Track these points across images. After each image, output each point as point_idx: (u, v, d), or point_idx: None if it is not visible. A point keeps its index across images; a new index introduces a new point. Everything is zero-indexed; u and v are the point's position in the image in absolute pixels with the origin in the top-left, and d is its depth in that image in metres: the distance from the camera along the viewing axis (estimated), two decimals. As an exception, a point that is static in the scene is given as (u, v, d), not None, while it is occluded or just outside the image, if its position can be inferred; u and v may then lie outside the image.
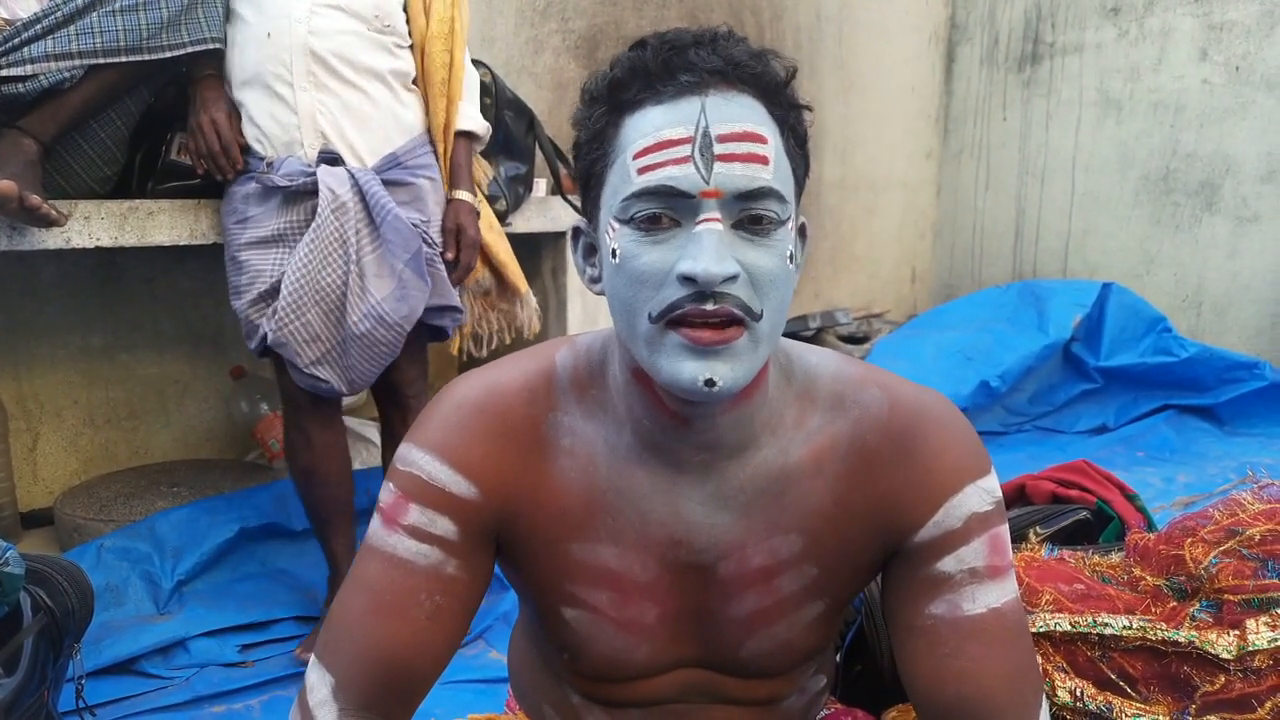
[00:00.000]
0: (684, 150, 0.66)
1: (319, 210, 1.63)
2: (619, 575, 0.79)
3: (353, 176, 1.67)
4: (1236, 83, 3.48)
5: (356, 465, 2.12)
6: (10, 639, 1.18)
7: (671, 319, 0.67)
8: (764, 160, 0.67)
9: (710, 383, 0.66)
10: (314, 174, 1.65)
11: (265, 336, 1.67)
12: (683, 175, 0.65)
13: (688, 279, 0.65)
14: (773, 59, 0.70)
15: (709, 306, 0.65)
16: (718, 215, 0.66)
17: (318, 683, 0.76)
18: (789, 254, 0.69)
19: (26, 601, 1.22)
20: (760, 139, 0.67)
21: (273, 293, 1.67)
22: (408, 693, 0.77)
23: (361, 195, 1.67)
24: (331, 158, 1.68)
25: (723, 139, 0.66)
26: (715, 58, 0.67)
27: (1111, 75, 3.83)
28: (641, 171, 0.67)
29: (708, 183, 0.65)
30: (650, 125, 0.67)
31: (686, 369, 0.66)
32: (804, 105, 0.72)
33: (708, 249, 0.64)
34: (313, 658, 0.78)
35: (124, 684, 1.66)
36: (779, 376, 0.79)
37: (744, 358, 0.67)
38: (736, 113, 0.67)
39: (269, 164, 1.67)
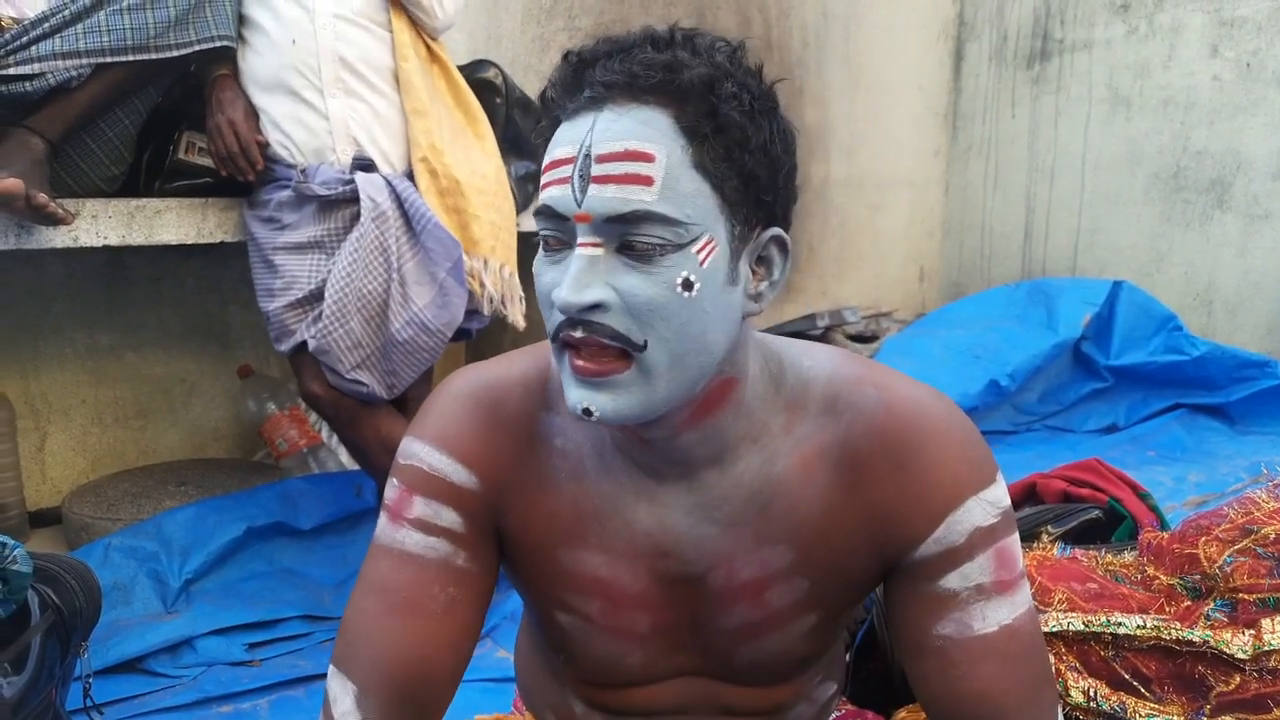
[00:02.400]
0: (567, 171, 0.64)
1: (361, 219, 1.64)
2: (608, 584, 0.78)
3: (390, 184, 1.67)
4: (1247, 79, 3.45)
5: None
6: (18, 637, 1.18)
7: (561, 341, 0.67)
8: (645, 181, 0.62)
9: (588, 412, 0.66)
10: (353, 181, 1.65)
11: (302, 342, 1.67)
12: (560, 196, 0.65)
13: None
14: (692, 63, 0.64)
15: (577, 334, 0.64)
16: (594, 239, 0.64)
17: (340, 693, 0.74)
18: (681, 280, 0.64)
19: (34, 600, 1.22)
20: (644, 157, 0.62)
21: (310, 299, 1.68)
22: (430, 697, 0.75)
23: (399, 203, 1.67)
24: (365, 164, 1.68)
25: (601, 159, 0.63)
26: (617, 70, 0.64)
27: (1121, 72, 3.80)
28: (540, 190, 0.67)
29: (579, 206, 0.64)
30: (554, 143, 0.67)
31: (572, 395, 0.67)
32: (734, 111, 0.64)
33: (569, 276, 0.64)
34: (332, 666, 0.77)
35: (131, 683, 1.66)
36: (766, 385, 0.76)
37: (630, 390, 0.65)
38: (623, 129, 0.63)
39: (303, 172, 1.67)
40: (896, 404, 0.74)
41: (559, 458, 0.78)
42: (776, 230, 0.70)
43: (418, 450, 0.77)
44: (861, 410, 0.75)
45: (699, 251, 0.65)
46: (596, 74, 0.65)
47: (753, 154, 0.66)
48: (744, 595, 0.77)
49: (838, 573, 0.77)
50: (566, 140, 0.66)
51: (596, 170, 0.63)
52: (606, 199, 0.63)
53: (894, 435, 0.73)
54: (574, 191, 0.64)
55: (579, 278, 0.64)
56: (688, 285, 0.64)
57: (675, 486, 0.76)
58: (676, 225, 0.63)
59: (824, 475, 0.75)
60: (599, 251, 0.64)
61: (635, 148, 0.63)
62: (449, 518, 0.76)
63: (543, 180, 0.67)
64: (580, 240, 0.64)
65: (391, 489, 0.78)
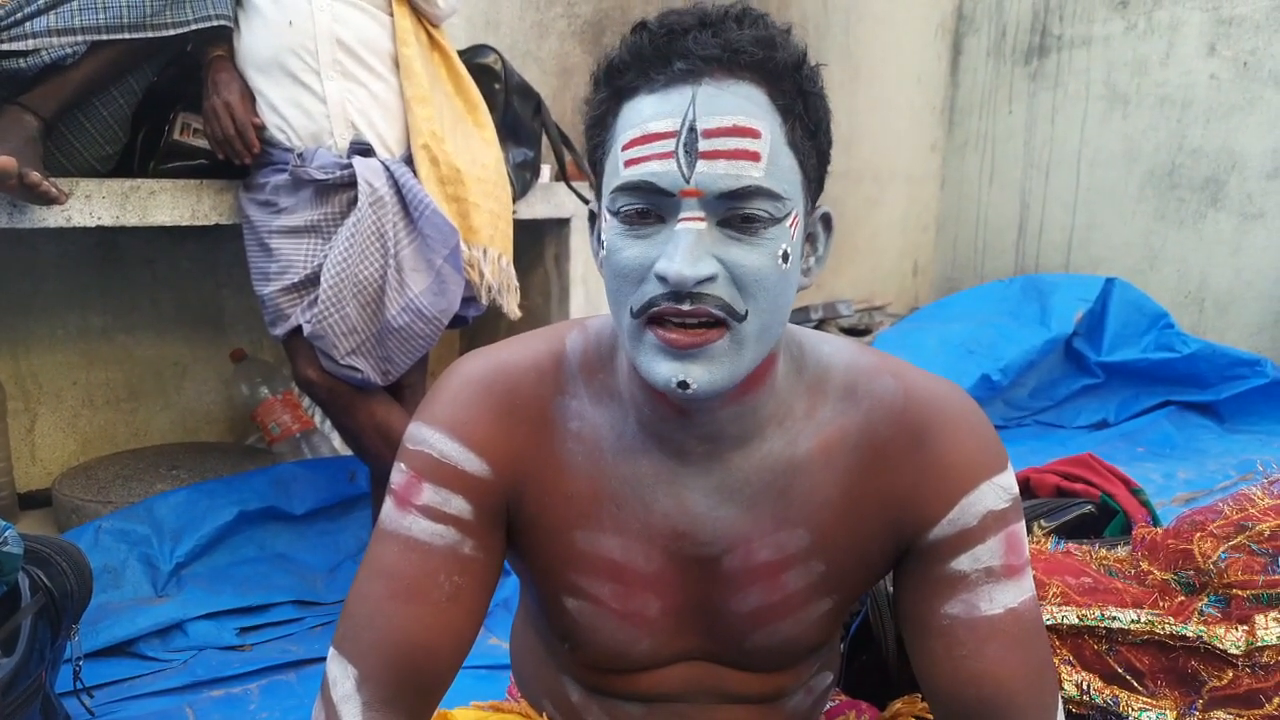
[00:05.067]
0: (668, 145, 0.63)
1: (358, 204, 1.62)
2: (622, 566, 0.78)
3: (387, 169, 1.66)
4: (1244, 78, 3.46)
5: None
6: (8, 619, 1.17)
7: (649, 316, 0.65)
8: (754, 156, 0.63)
9: (684, 385, 0.65)
10: (350, 166, 1.64)
11: (297, 326, 1.67)
12: (664, 172, 0.63)
13: (663, 279, 0.64)
14: (782, 42, 0.66)
15: (685, 306, 0.64)
16: (699, 214, 0.64)
17: (340, 675, 0.74)
18: (781, 252, 0.66)
19: (25, 582, 1.21)
20: (752, 133, 0.63)
21: (305, 284, 1.66)
22: (431, 683, 0.76)
23: (397, 188, 1.65)
24: (363, 149, 1.67)
25: (709, 134, 0.63)
26: (714, 43, 0.64)
27: (1118, 69, 3.81)
28: (628, 165, 0.65)
29: (688, 181, 0.63)
30: (639, 115, 0.65)
31: (662, 370, 0.65)
32: (816, 92, 0.68)
33: (682, 249, 0.63)
34: (332, 649, 0.76)
35: (121, 666, 1.65)
36: (789, 367, 0.77)
37: (723, 360, 0.65)
38: (728, 104, 0.63)
39: (300, 155, 1.66)
40: (915, 391, 0.77)
41: (575, 441, 0.78)
42: (826, 208, 0.73)
43: (427, 436, 0.76)
44: (881, 397, 0.77)
45: (790, 225, 0.67)
46: (690, 46, 0.64)
47: (825, 133, 0.69)
48: (760, 578, 0.78)
49: (853, 556, 0.78)
50: (661, 113, 0.64)
51: (704, 145, 0.63)
52: (718, 175, 0.63)
53: (913, 421, 0.75)
54: (680, 166, 0.63)
55: (692, 250, 0.63)
56: (785, 257, 0.66)
57: (697, 468, 0.76)
58: (778, 200, 0.65)
59: (843, 459, 0.76)
60: (703, 225, 0.64)
61: (744, 123, 0.63)
62: (458, 505, 0.75)
63: (628, 154, 0.65)
64: (685, 214, 0.64)
65: (399, 474, 0.77)
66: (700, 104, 0.63)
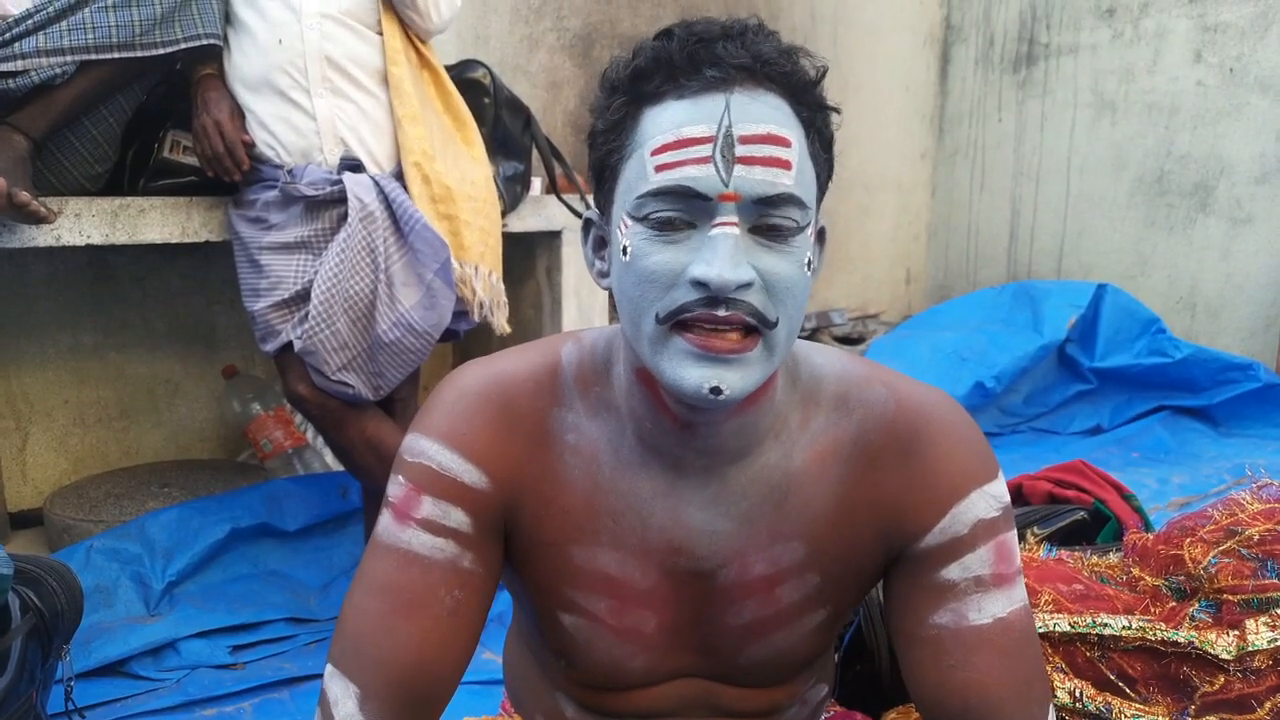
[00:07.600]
0: (704, 150, 0.63)
1: (349, 219, 1.62)
2: (618, 582, 0.78)
3: (378, 184, 1.66)
4: (1231, 84, 3.49)
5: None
6: (-2, 640, 1.16)
7: (679, 321, 0.65)
8: (786, 165, 0.64)
9: (716, 390, 0.64)
10: (340, 182, 1.64)
11: (288, 342, 1.67)
12: (702, 176, 0.63)
13: (700, 283, 0.63)
14: (803, 57, 0.68)
15: (720, 312, 0.63)
16: (734, 219, 0.63)
17: (342, 694, 0.72)
18: (806, 260, 0.67)
19: (15, 602, 1.21)
20: (784, 142, 0.64)
21: (296, 299, 1.67)
22: (433, 698, 0.74)
23: (387, 203, 1.66)
24: (353, 164, 1.67)
25: (745, 140, 0.63)
26: (743, 53, 0.64)
27: (1106, 77, 3.83)
28: (659, 169, 0.64)
29: (727, 185, 0.63)
30: (671, 121, 0.64)
31: (691, 375, 0.64)
32: (832, 107, 0.69)
33: (722, 254, 0.62)
34: (330, 667, 0.75)
35: (114, 686, 1.64)
36: (785, 379, 0.77)
37: (755, 367, 0.65)
38: (761, 113, 0.64)
39: (290, 172, 1.66)
40: (906, 400, 0.77)
41: (571, 454, 0.77)
42: (822, 221, 0.73)
43: (426, 448, 0.75)
44: (873, 407, 0.77)
45: (810, 235, 0.68)
46: (720, 54, 0.64)
47: (829, 149, 0.70)
48: (755, 592, 0.78)
49: (846, 566, 0.78)
50: (696, 119, 0.64)
51: (741, 151, 0.63)
52: (755, 180, 0.63)
53: (904, 429, 0.76)
54: (718, 171, 0.63)
55: (733, 255, 0.63)
56: (809, 266, 0.68)
57: (694, 481, 0.76)
58: (805, 209, 0.66)
59: (836, 470, 0.76)
60: (737, 231, 0.64)
61: (776, 132, 0.64)
62: (458, 518, 0.74)
63: (660, 159, 0.64)
64: (722, 219, 0.64)
65: (397, 487, 0.76)
66: (735, 111, 0.63)
